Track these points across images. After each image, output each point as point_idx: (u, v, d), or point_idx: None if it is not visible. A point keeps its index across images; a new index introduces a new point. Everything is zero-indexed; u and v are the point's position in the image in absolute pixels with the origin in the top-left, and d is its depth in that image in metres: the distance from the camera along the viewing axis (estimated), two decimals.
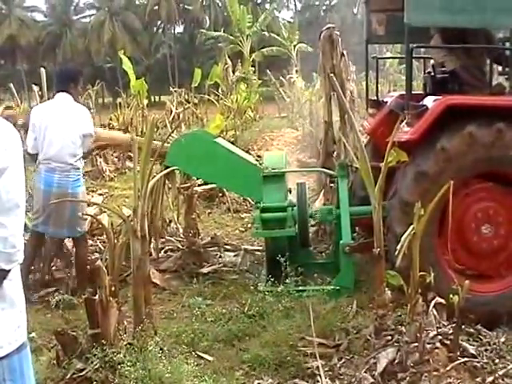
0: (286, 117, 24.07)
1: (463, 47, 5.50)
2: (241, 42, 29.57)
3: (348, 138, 6.81)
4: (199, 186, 8.48)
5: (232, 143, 7.86)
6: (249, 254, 7.09)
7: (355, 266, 5.77)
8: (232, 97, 17.41)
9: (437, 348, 3.87)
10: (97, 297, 3.84)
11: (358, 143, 4.75)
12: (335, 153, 7.38)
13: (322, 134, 7.86)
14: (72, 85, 5.78)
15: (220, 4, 54.70)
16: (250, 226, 8.27)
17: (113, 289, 3.93)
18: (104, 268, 3.94)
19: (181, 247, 7.05)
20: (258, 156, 6.48)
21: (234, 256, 7.08)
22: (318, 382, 4.17)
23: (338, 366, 4.34)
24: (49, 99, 6.75)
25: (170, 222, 7.77)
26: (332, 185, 6.82)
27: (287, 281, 5.57)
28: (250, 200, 8.83)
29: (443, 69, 5.69)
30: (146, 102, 14.64)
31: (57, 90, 5.84)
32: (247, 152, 8.18)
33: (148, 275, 4.51)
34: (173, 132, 7.64)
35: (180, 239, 7.35)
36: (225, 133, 12.80)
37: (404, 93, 5.47)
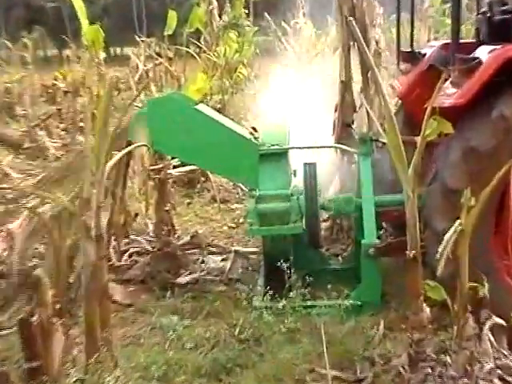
0: (291, 76, 24.01)
1: None
2: None
3: (372, 103, 6.77)
4: (175, 167, 8.42)
5: (218, 111, 7.81)
6: (241, 258, 7.12)
7: (382, 273, 5.76)
8: (218, 49, 17.30)
9: None
10: (35, 318, 3.81)
11: (385, 110, 4.69)
12: (355, 123, 7.35)
13: (337, 99, 7.83)
14: None
15: None
16: (242, 220, 8.33)
17: (57, 306, 3.91)
18: (46, 279, 3.91)
19: (150, 249, 7.08)
20: (253, 128, 6.42)
21: (222, 261, 7.11)
22: None
23: None
24: None
25: (137, 215, 7.82)
26: (352, 166, 6.78)
27: (291, 294, 5.58)
28: (243, 186, 8.80)
29: (504, 8, 5.63)
30: (103, 55, 14.50)
31: None
32: (238, 123, 8.12)
33: (105, 287, 4.51)
34: (139, 96, 7.59)
35: (149, 239, 7.39)
36: (209, 97, 12.72)
37: (449, 41, 5.41)
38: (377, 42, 7.87)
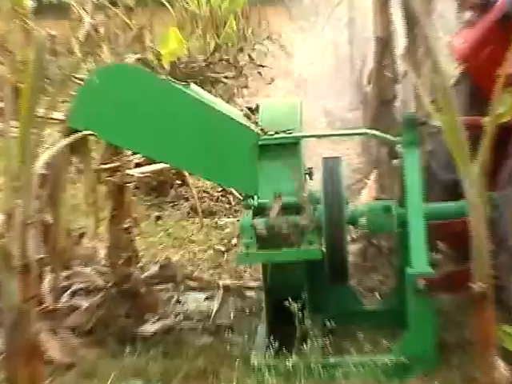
0: (303, 31, 23.99)
1: None
2: None
3: (421, 69, 6.78)
4: (137, 166, 8.43)
5: (200, 85, 7.80)
6: (233, 295, 7.15)
7: (437, 316, 5.76)
8: None
9: None
10: None
11: (439, 80, 4.71)
12: (397, 99, 7.36)
13: (371, 63, 7.84)
14: None
15: None
16: (234, 242, 8.34)
17: None
18: None
19: (102, 285, 7.06)
20: (249, 109, 6.40)
21: (205, 300, 7.16)
22: None
23: None
24: None
25: (83, 236, 7.82)
26: (394, 161, 6.79)
27: (305, 347, 5.59)
28: (235, 192, 8.83)
29: None
30: (30, 3, 14.51)
31: None
32: (228, 101, 8.10)
33: (35, 341, 4.49)
34: (84, 63, 7.59)
35: (101, 270, 7.41)
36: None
37: None
38: None
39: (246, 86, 15.65)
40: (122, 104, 6.08)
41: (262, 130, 6.17)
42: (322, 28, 18.68)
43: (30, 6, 14.51)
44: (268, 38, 19.51)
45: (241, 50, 18.41)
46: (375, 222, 6.16)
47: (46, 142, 5.36)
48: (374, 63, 7.60)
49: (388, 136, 6.63)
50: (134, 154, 7.47)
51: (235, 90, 14.36)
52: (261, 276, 6.53)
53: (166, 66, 7.06)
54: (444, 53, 6.35)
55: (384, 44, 7.44)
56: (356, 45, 13.53)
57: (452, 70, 6.57)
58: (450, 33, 7.92)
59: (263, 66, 15.58)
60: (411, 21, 7.05)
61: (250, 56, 17.34)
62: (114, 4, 16.69)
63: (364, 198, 7.58)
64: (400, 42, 7.40)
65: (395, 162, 6.52)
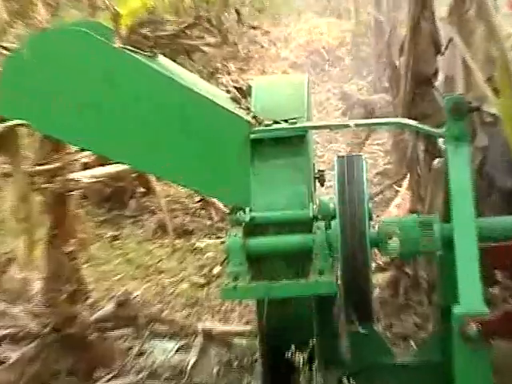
0: None
1: None
2: None
3: (471, 37, 6.80)
4: (86, 168, 8.44)
5: (169, 56, 7.79)
6: (216, 343, 7.14)
7: (493, 372, 5.72)
8: None
9: None
10: None
11: (496, 50, 4.72)
12: (439, 76, 7.36)
13: (403, 30, 7.86)
14: None
15: None
16: (217, 271, 8.37)
17: None
18: None
19: (37, 330, 7.08)
20: (238, 89, 6.39)
21: (178, 351, 7.17)
22: None
23: None
24: None
25: (10, 263, 7.81)
26: (435, 161, 6.80)
27: None
28: (219, 203, 8.82)
29: None
30: None
31: None
32: (208, 79, 8.07)
33: None
34: (12, 26, 7.61)
35: (35, 310, 7.39)
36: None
37: None
38: None
39: (235, 57, 15.67)
40: (64, 83, 6.07)
41: (255, 118, 6.16)
42: None
43: None
44: None
45: (225, 5, 18.43)
46: (410, 244, 6.12)
47: None
48: (407, 28, 7.60)
49: (427, 127, 6.61)
50: (81, 150, 7.45)
51: (219, 64, 14.35)
52: (254, 317, 6.53)
53: (125, 31, 7.03)
54: (502, 13, 6.37)
55: (421, 3, 7.44)
56: (384, 5, 13.60)
57: None
58: None
59: (255, 28, 15.53)
60: None
61: (237, 11, 17.35)
62: None
63: (394, 211, 7.59)
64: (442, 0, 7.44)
65: (437, 162, 6.53)
